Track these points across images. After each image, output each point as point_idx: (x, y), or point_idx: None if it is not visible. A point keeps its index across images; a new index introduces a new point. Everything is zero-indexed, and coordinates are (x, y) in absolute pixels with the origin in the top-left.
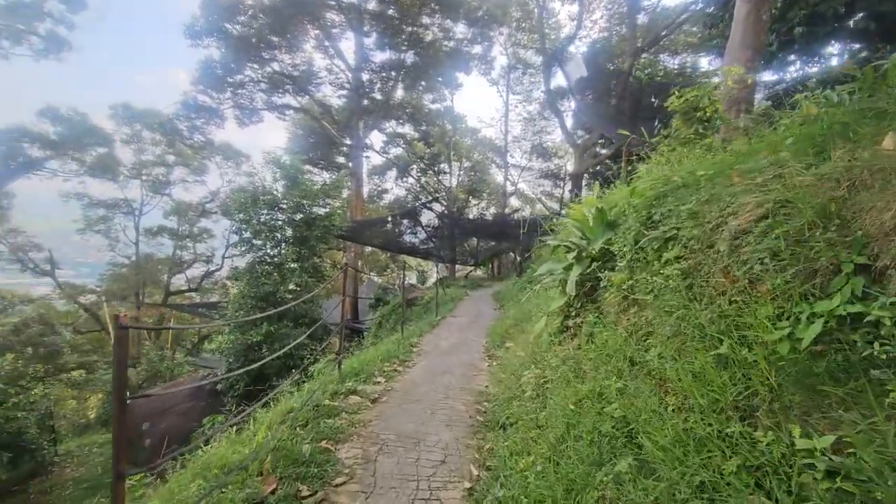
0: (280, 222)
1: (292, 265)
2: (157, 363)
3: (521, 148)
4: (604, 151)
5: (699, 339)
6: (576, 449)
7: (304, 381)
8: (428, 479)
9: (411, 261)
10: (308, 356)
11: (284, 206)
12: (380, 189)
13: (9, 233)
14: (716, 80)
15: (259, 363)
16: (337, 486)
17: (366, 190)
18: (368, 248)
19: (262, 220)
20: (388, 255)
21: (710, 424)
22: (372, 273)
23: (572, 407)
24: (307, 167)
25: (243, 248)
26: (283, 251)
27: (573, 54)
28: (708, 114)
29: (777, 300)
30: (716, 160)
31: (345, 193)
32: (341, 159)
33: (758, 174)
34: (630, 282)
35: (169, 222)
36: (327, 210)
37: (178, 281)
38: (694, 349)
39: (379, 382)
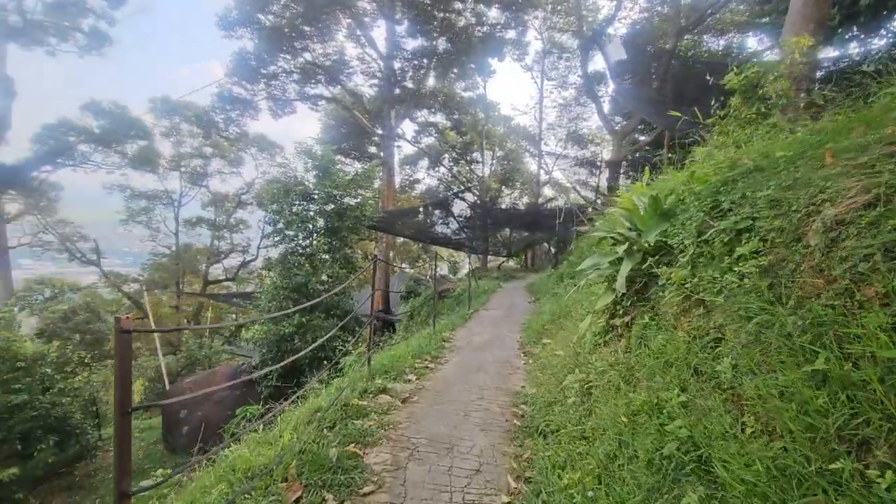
0: (312, 213)
1: (324, 256)
2: (195, 351)
3: (555, 135)
4: (643, 138)
5: (787, 351)
6: (631, 471)
7: (334, 376)
8: (462, 491)
9: (443, 251)
10: (340, 347)
11: (316, 197)
12: (411, 179)
13: (57, 223)
14: (771, 57)
15: (291, 359)
16: (365, 495)
17: (397, 180)
18: (400, 239)
19: (294, 210)
20: (420, 245)
21: (805, 456)
22: (403, 264)
23: (624, 419)
24: (339, 157)
25: (276, 239)
26: (314, 242)
27: (612, 37)
28: (771, 91)
29: (891, 306)
30: (794, 140)
31: (376, 184)
32: (373, 149)
33: (859, 153)
34: (693, 279)
35: (206, 213)
36: (358, 200)
37: (216, 270)
38: (779, 362)
39: (410, 380)
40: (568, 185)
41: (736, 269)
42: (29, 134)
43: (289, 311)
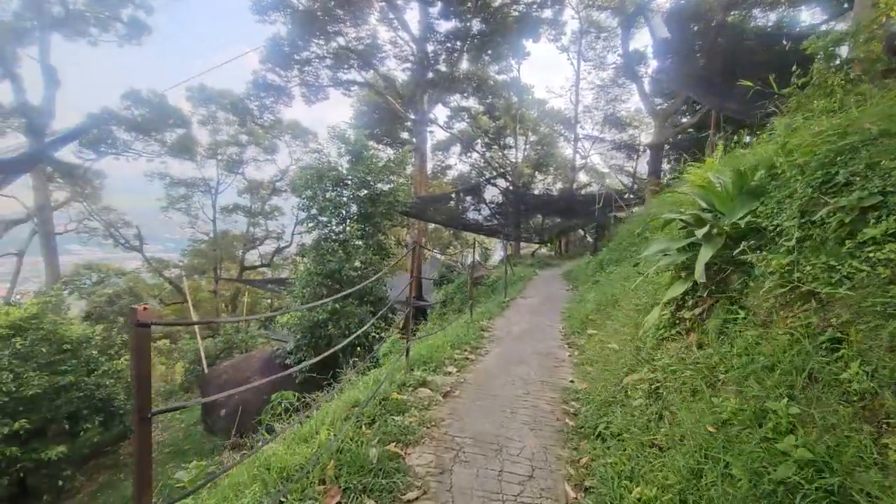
0: (345, 198)
1: (357, 242)
2: (232, 335)
3: (592, 118)
4: (685, 120)
5: None
6: (727, 493)
7: (370, 366)
8: (515, 499)
9: (475, 238)
10: (374, 334)
11: (349, 182)
12: (443, 165)
13: (102, 210)
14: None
15: (325, 354)
16: (408, 501)
17: (429, 166)
18: (431, 225)
19: (327, 196)
20: (451, 232)
21: None
22: (435, 250)
23: (710, 429)
24: (371, 143)
25: (310, 225)
26: (347, 228)
27: (656, 12)
28: (862, 54)
29: None
30: None
31: (409, 170)
32: (405, 135)
33: None
34: (800, 268)
35: (242, 200)
36: (391, 186)
37: (252, 256)
38: None
39: (450, 373)
40: (605, 170)
41: (863, 254)
42: (73, 124)
43: (323, 300)
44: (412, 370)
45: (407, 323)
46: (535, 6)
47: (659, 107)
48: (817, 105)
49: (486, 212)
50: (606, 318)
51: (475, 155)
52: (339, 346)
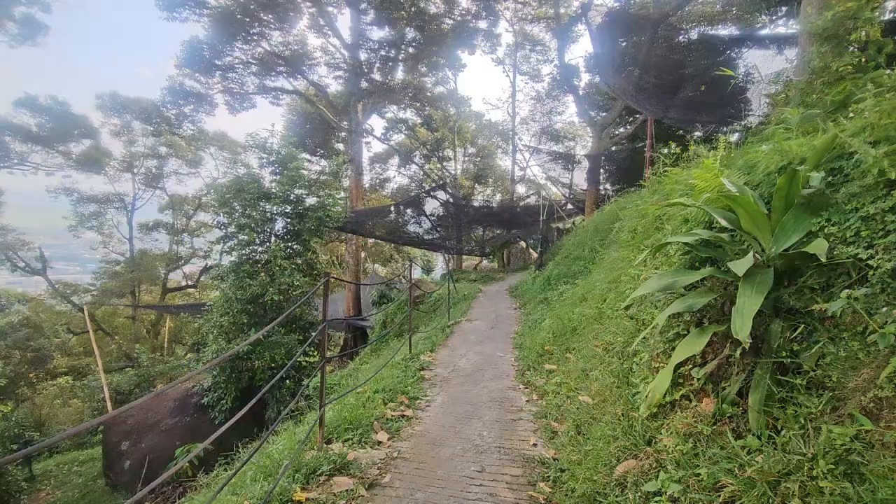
0: (269, 214)
1: (282, 262)
2: (148, 368)
3: (528, 130)
4: (620, 130)
5: None
6: None
7: (294, 413)
8: None
9: (416, 251)
10: (304, 361)
11: (273, 196)
12: (381, 178)
13: None
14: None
15: (249, 405)
16: None
17: (367, 178)
18: (371, 239)
19: (247, 212)
20: (393, 245)
21: None
22: (376, 264)
23: None
24: (304, 156)
25: (228, 245)
26: (271, 247)
27: (592, 23)
28: (872, 37)
29: None
30: None
31: (345, 182)
32: (340, 146)
33: None
34: None
35: (164, 216)
36: (322, 199)
37: (176, 276)
38: None
39: (380, 443)
40: (542, 181)
41: None
42: None
43: (248, 339)
44: (329, 442)
45: (322, 380)
46: (469, 17)
47: (596, 118)
48: (825, 94)
49: (426, 224)
50: (565, 351)
51: (414, 167)
52: (264, 389)
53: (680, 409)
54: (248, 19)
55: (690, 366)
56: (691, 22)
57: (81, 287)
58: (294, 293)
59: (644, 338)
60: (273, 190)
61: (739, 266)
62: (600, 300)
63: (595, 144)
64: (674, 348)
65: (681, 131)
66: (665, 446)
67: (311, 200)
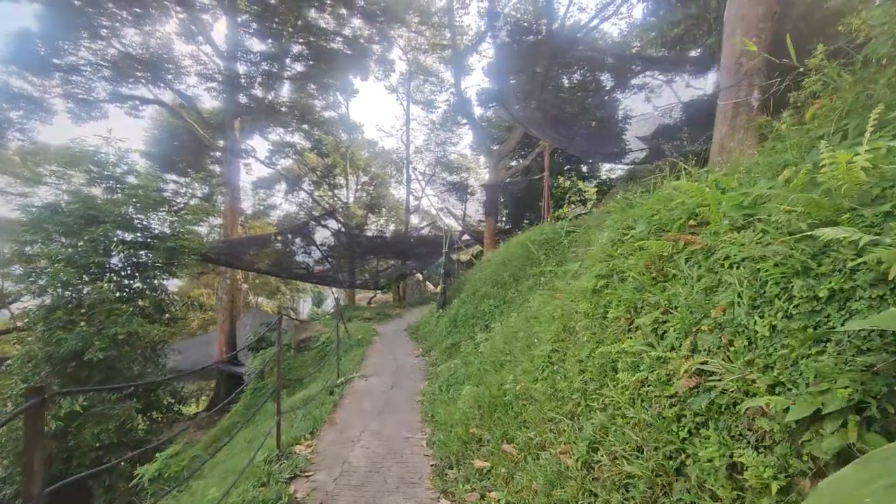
0: (99, 245)
1: (115, 307)
2: None
3: (423, 160)
4: (513, 164)
5: None
6: None
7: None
8: None
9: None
10: (145, 432)
11: (104, 221)
12: (266, 204)
13: None
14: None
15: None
16: None
17: (249, 204)
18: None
19: (69, 241)
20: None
21: None
22: (259, 297)
23: None
24: (171, 177)
25: (36, 285)
26: (103, 286)
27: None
28: None
29: None
30: None
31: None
32: (216, 168)
33: None
34: None
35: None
36: (175, 226)
37: (3, 316)
38: None
39: None
40: (436, 211)
41: None
42: None
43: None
44: None
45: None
46: (362, 39)
47: (493, 147)
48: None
49: (317, 255)
50: (501, 439)
51: (303, 194)
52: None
53: None
54: (95, 12)
55: None
56: (579, 62)
57: None
58: (136, 344)
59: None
60: (105, 213)
61: None
62: (544, 363)
63: (493, 175)
64: None
65: (567, 166)
66: None
67: (159, 227)
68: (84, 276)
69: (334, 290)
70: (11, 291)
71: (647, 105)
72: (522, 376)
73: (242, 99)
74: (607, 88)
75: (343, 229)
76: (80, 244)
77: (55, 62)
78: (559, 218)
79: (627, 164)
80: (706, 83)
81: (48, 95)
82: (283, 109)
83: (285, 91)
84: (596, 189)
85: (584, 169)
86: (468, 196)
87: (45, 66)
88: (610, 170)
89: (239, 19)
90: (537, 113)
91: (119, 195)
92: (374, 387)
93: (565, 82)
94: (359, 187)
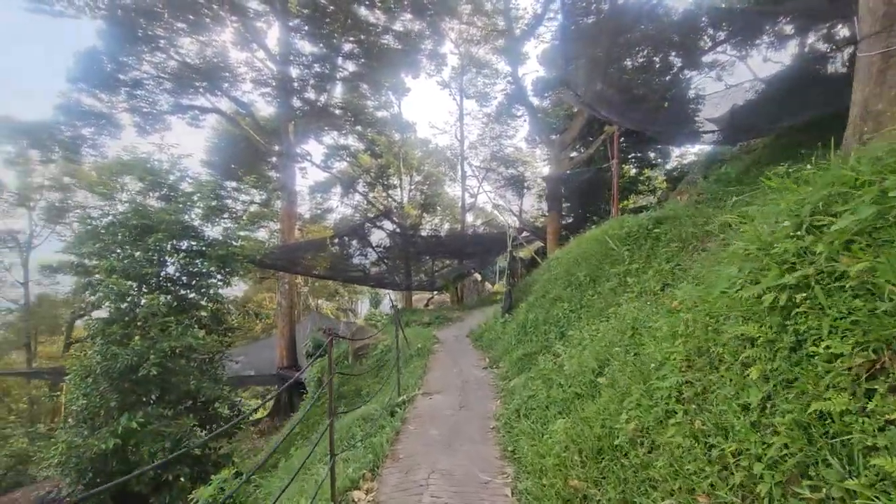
0: (154, 256)
1: (168, 318)
2: (27, 446)
3: (478, 156)
4: (573, 155)
5: None
6: None
7: None
8: None
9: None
10: (211, 451)
11: (160, 232)
12: (324, 208)
13: None
14: None
15: None
16: None
17: (306, 208)
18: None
19: (125, 252)
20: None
21: None
22: (319, 300)
23: None
24: (231, 184)
25: (94, 297)
26: (152, 300)
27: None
28: None
29: None
30: None
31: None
32: (273, 174)
33: None
34: None
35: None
36: (228, 232)
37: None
38: None
39: None
40: (495, 208)
41: None
42: None
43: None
44: None
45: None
46: (413, 34)
47: (554, 137)
48: None
49: (373, 256)
50: (620, 499)
51: (358, 196)
52: None
53: None
54: (151, 21)
55: None
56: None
57: None
58: (192, 357)
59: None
60: (159, 221)
61: None
62: (670, 398)
63: (554, 166)
64: None
65: (633, 154)
66: None
67: (210, 232)
68: (141, 287)
69: (391, 292)
70: (93, 300)
71: (718, 84)
72: (636, 412)
73: (296, 102)
74: (678, 66)
75: (398, 230)
76: (136, 254)
77: (121, 78)
78: (642, 209)
79: (710, 144)
80: (785, 55)
81: (115, 111)
82: (337, 111)
83: (338, 92)
84: (666, 177)
85: (652, 156)
86: (525, 190)
87: (111, 83)
88: (680, 156)
89: (291, 23)
90: (610, 91)
91: (172, 204)
92: (440, 407)
93: (632, 62)
94: (412, 187)
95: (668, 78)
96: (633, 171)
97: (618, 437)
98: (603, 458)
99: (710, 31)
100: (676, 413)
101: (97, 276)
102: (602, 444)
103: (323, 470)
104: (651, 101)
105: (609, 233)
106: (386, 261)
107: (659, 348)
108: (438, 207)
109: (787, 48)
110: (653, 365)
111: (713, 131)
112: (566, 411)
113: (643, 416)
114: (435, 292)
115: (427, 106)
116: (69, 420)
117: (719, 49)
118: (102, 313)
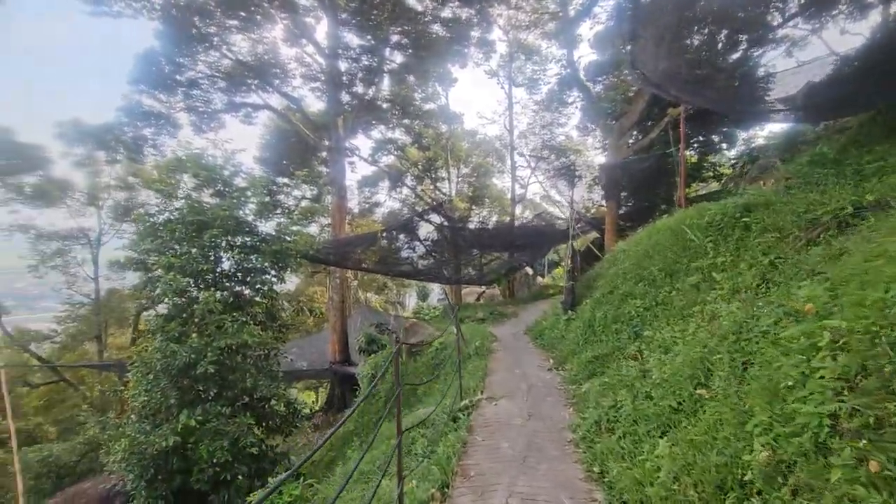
0: (211, 253)
1: (223, 315)
2: (98, 434)
3: (528, 145)
4: (632, 141)
5: None
6: None
7: None
8: None
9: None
10: (267, 449)
11: (215, 228)
12: (372, 202)
13: None
14: None
15: None
16: None
17: (355, 203)
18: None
19: (184, 248)
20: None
21: None
22: (368, 293)
23: None
24: (283, 180)
25: (156, 292)
26: (207, 297)
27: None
28: None
29: None
30: None
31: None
32: (323, 169)
33: None
34: None
35: (136, 253)
36: (280, 227)
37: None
38: None
39: None
40: (541, 199)
41: None
42: None
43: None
44: None
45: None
46: (460, 23)
47: (611, 123)
48: None
49: (421, 250)
50: None
51: (406, 190)
52: None
53: None
54: (206, 21)
55: None
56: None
57: (42, 334)
58: (248, 354)
59: None
60: (214, 217)
61: None
62: (818, 424)
63: (612, 153)
64: None
65: (696, 137)
66: None
67: (264, 228)
68: (198, 283)
69: (441, 288)
70: (157, 294)
71: (789, 61)
72: (767, 438)
73: (345, 97)
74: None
75: (446, 223)
76: (193, 250)
77: (177, 78)
78: (714, 194)
79: (788, 122)
80: (864, 26)
81: (173, 111)
82: (384, 105)
83: (385, 85)
84: (735, 162)
85: (716, 139)
86: (577, 180)
87: (169, 83)
88: (748, 139)
89: (339, 16)
90: (683, 69)
91: (226, 199)
92: (507, 414)
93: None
94: (460, 179)
95: (737, 55)
96: (695, 158)
97: (746, 469)
98: (727, 497)
99: (780, 4)
100: (831, 447)
101: (157, 271)
102: (723, 475)
103: (386, 483)
104: (720, 80)
105: (686, 222)
106: (434, 254)
107: (791, 360)
108: (486, 199)
109: (868, 18)
110: (785, 382)
111: (786, 110)
112: (663, 427)
113: (781, 447)
114: (485, 287)
115: (474, 97)
116: (132, 416)
117: (790, 24)
118: (163, 308)
